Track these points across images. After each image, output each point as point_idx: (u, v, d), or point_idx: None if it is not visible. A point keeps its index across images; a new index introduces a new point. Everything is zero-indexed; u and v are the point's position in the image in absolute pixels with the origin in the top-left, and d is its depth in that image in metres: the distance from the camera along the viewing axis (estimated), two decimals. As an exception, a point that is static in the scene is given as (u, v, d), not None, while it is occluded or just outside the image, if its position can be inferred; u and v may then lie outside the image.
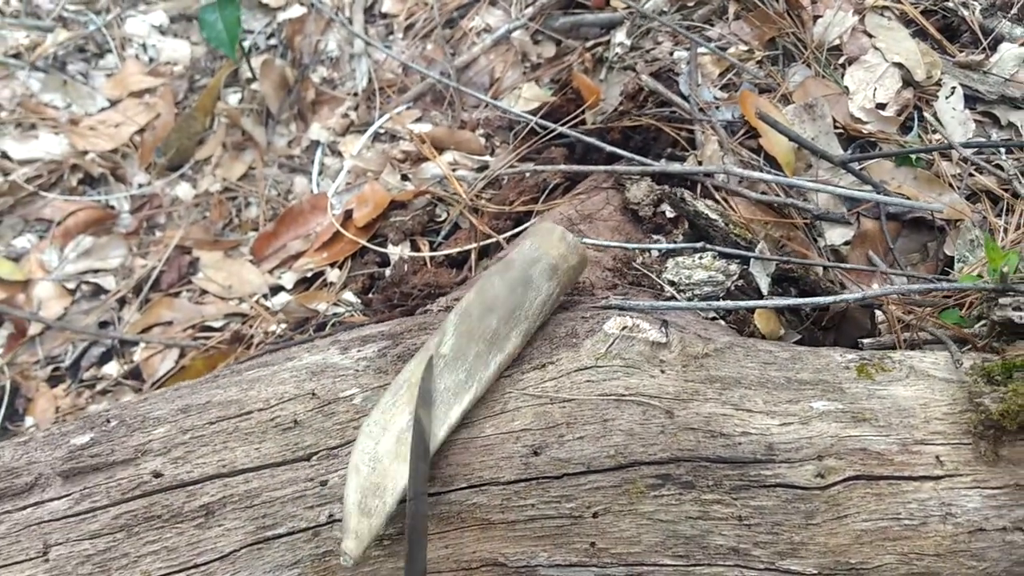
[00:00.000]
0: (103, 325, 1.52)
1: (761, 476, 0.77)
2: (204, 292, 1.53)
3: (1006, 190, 1.28)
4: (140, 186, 1.73)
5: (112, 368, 1.46)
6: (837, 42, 1.44)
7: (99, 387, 1.43)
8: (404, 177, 1.59)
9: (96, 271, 1.60)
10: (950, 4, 1.48)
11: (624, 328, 0.84)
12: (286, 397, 0.83)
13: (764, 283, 1.08)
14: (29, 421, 1.41)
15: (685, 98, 1.40)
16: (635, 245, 1.10)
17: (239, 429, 0.81)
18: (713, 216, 1.12)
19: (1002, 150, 1.31)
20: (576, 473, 0.77)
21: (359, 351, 0.88)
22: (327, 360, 0.86)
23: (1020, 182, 1.25)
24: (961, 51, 1.44)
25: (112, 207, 1.70)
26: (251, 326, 1.44)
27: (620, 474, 0.77)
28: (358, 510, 0.71)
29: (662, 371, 0.82)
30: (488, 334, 0.82)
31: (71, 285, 1.59)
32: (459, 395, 0.79)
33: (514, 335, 0.83)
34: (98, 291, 1.58)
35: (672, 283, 1.04)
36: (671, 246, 1.09)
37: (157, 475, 0.78)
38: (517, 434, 0.79)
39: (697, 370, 0.83)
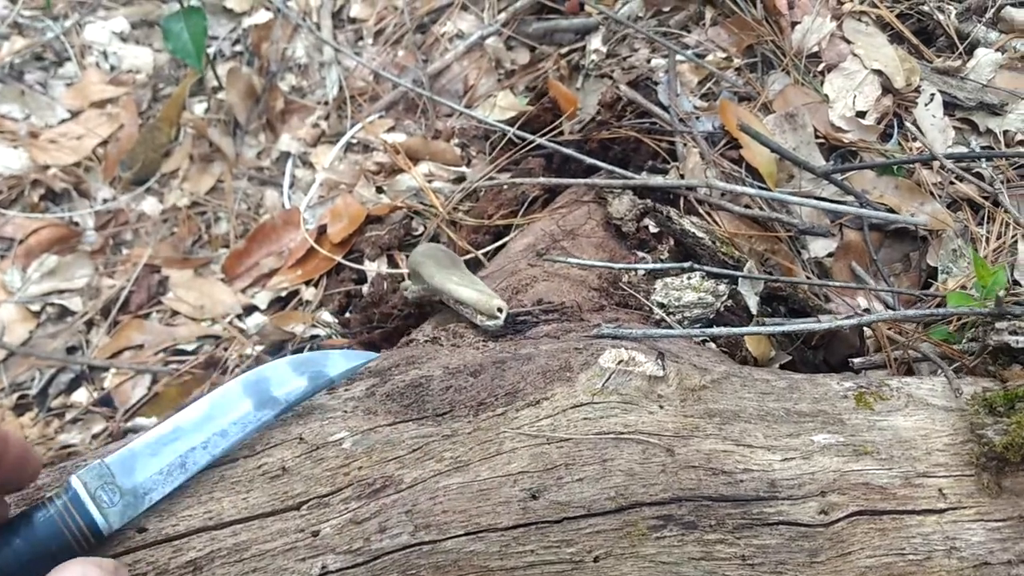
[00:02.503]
0: (71, 350, 1.47)
1: (764, 514, 0.76)
2: (175, 313, 1.49)
3: (986, 198, 1.28)
4: (105, 201, 1.68)
5: (82, 395, 1.41)
6: (816, 49, 1.43)
7: (69, 416, 1.38)
8: (379, 189, 1.55)
9: (62, 292, 1.55)
10: (925, 8, 1.48)
11: (620, 362, 0.82)
12: (273, 442, 0.79)
13: (753, 302, 1.06)
14: (-4, 452, 1.35)
15: (665, 108, 1.38)
16: (621, 265, 1.08)
17: (225, 478, 0.77)
18: (700, 234, 1.10)
19: (982, 159, 1.31)
20: (576, 517, 0.75)
21: (346, 390, 0.85)
22: (314, 401, 0.83)
23: (1002, 191, 1.25)
24: (938, 56, 1.43)
25: (76, 224, 1.65)
26: (225, 349, 1.40)
27: (621, 516, 0.75)
28: None
29: (660, 407, 0.80)
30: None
31: (36, 307, 1.53)
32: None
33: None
34: (64, 313, 1.53)
35: (662, 305, 1.03)
36: (658, 266, 1.07)
37: (141, 530, 0.75)
38: (514, 477, 0.77)
39: (695, 404, 0.81)
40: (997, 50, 1.40)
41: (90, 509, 0.69)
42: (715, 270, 1.04)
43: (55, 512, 0.67)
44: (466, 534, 0.75)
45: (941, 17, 1.46)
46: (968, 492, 0.77)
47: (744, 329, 0.92)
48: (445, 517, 0.76)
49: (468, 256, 1.37)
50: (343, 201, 1.52)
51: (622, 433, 0.78)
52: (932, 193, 1.28)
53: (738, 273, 1.05)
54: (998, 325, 0.84)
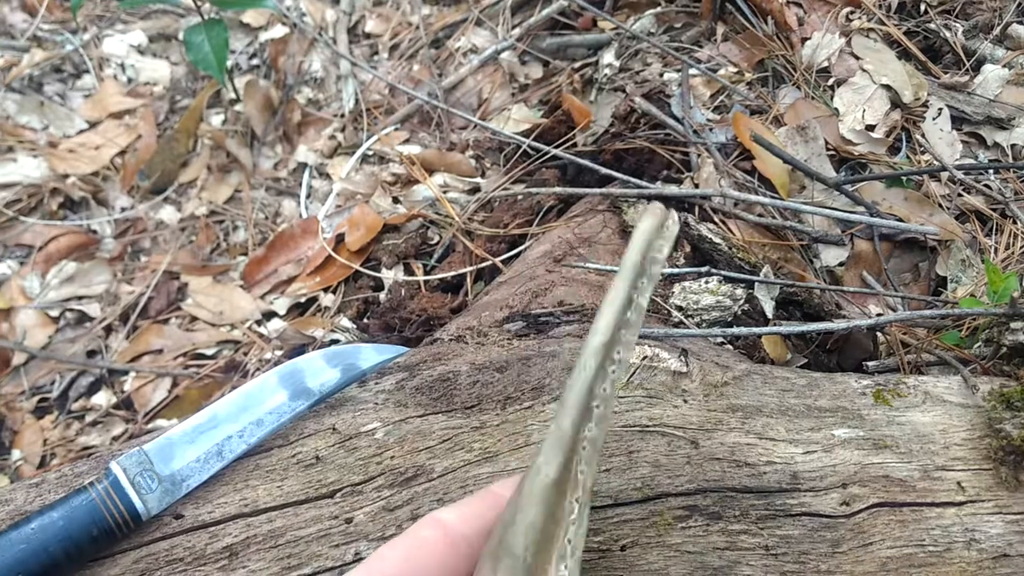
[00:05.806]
0: (91, 354, 1.49)
1: (787, 505, 0.78)
2: (194, 319, 1.50)
3: (994, 210, 1.30)
4: (123, 210, 1.70)
5: (102, 398, 1.43)
6: (825, 64, 1.46)
7: (89, 418, 1.40)
8: (395, 199, 1.58)
9: (80, 298, 1.57)
10: (932, 26, 1.51)
11: (645, 358, 0.84)
12: (307, 432, 0.81)
13: (769, 307, 1.09)
14: (16, 454, 1.37)
15: (679, 120, 1.41)
16: (640, 270, 1.10)
17: (260, 466, 0.79)
18: (717, 240, 1.12)
19: (990, 171, 1.33)
20: (604, 506, 0.77)
21: (377, 384, 0.87)
22: (346, 393, 0.85)
23: (1010, 201, 1.27)
24: (945, 72, 1.47)
25: (95, 231, 1.67)
26: (245, 353, 1.42)
27: (647, 506, 0.77)
28: None
29: (685, 401, 0.82)
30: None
31: (55, 313, 1.55)
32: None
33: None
34: (83, 318, 1.55)
35: (680, 308, 1.05)
36: (675, 271, 1.09)
37: (178, 516, 0.76)
38: (543, 467, 0.79)
39: (718, 399, 0.83)
40: (1004, 66, 1.43)
41: (129, 494, 0.72)
42: (732, 274, 1.07)
43: (96, 496, 0.69)
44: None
45: (948, 34, 1.49)
46: (987, 486, 0.78)
47: (762, 329, 0.94)
48: (476, 506, 0.77)
49: (485, 263, 1.39)
50: (360, 211, 1.54)
51: (647, 426, 0.80)
52: (940, 205, 1.31)
53: (755, 278, 1.07)
54: (1013, 325, 0.86)
